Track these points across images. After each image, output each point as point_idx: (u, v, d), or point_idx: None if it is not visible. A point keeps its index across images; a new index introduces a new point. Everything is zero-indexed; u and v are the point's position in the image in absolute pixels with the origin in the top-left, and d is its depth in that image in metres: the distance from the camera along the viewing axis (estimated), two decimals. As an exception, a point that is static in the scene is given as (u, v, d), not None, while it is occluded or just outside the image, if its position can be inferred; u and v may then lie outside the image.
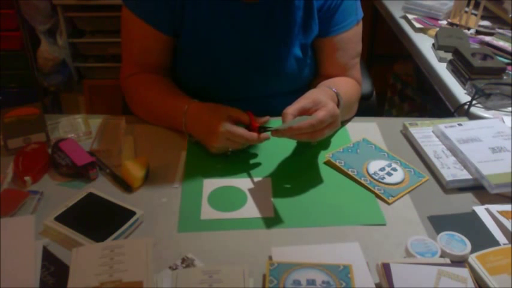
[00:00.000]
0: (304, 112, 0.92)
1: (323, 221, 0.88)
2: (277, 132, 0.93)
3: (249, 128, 0.98)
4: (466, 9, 1.82)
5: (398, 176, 0.99)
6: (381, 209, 0.91)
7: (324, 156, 1.04)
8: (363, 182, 0.97)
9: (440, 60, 1.55)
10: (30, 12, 2.13)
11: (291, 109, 0.91)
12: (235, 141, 0.97)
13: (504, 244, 0.83)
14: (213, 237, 0.84)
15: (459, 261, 0.75)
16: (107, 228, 0.81)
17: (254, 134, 0.96)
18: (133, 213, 0.85)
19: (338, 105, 1.01)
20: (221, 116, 0.97)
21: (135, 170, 0.94)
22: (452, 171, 0.99)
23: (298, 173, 1.00)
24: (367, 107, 1.37)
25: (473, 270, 0.74)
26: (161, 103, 1.09)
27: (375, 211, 0.91)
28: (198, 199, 0.92)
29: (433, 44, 1.66)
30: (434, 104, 2.17)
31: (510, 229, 0.84)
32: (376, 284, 0.74)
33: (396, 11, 2.00)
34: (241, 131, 0.95)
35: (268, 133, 0.97)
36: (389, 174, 0.99)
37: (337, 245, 0.81)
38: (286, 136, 0.93)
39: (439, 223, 0.88)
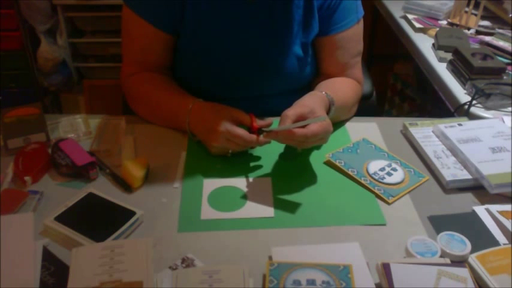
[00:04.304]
0: (301, 119, 0.93)
1: (323, 221, 0.88)
2: (269, 135, 0.94)
3: (250, 130, 0.99)
4: (466, 9, 1.82)
5: (398, 176, 0.99)
6: (381, 209, 0.91)
7: (324, 156, 1.04)
8: (362, 182, 0.97)
9: (440, 60, 1.55)
10: (30, 12, 2.13)
11: (291, 112, 0.92)
12: (235, 142, 0.97)
13: (504, 244, 0.83)
14: (213, 237, 0.84)
15: (459, 261, 0.75)
16: (107, 228, 0.81)
17: (253, 136, 0.96)
18: (133, 213, 0.85)
19: (329, 110, 1.03)
20: (223, 116, 0.97)
21: (135, 170, 0.94)
22: (452, 171, 0.99)
23: (298, 173, 1.00)
24: (367, 107, 1.36)
25: (473, 270, 0.74)
26: (166, 101, 1.09)
27: (375, 211, 0.91)
28: (198, 199, 0.92)
29: (433, 44, 1.66)
30: (434, 104, 2.17)
31: (510, 229, 0.84)
32: (376, 284, 0.74)
33: (396, 11, 2.00)
34: (240, 132, 0.96)
35: (261, 135, 0.97)
36: (389, 174, 0.99)
37: (337, 245, 0.81)
38: (278, 139, 0.94)
39: (439, 223, 0.88)
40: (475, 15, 1.82)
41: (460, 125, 1.11)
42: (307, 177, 0.99)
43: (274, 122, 0.99)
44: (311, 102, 0.98)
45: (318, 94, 1.03)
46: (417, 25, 1.82)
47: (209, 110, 1.02)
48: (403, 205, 0.93)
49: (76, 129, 1.10)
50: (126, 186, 0.93)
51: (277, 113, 0.96)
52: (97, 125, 1.12)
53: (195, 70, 1.15)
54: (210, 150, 1.02)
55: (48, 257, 0.77)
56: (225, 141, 0.97)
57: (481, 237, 0.84)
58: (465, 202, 0.94)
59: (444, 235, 0.80)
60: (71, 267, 0.72)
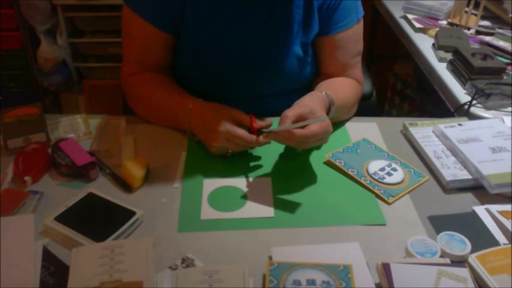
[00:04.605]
0: (301, 119, 0.93)
1: (323, 221, 0.88)
2: (269, 135, 0.94)
3: (250, 130, 0.99)
4: (466, 9, 1.82)
5: (398, 176, 0.99)
6: (381, 209, 0.91)
7: (324, 156, 1.04)
8: (362, 182, 0.97)
9: (440, 60, 1.55)
10: (30, 12, 2.13)
11: (291, 113, 0.92)
12: (235, 143, 0.97)
13: (504, 244, 0.83)
14: (213, 237, 0.84)
15: (459, 261, 0.75)
16: (107, 228, 0.81)
17: (253, 137, 0.96)
18: (133, 213, 0.85)
19: (329, 110, 1.03)
20: (223, 116, 0.97)
21: (135, 170, 0.94)
22: (452, 171, 0.99)
23: (298, 173, 1.00)
24: (367, 107, 1.36)
25: (473, 270, 0.74)
26: (166, 101, 1.09)
27: (375, 211, 0.91)
28: (198, 199, 0.92)
29: (433, 44, 1.66)
30: (434, 104, 2.17)
31: (510, 229, 0.84)
32: (376, 284, 0.74)
33: (396, 11, 2.00)
34: (241, 132, 0.96)
35: (261, 136, 0.97)
36: (389, 174, 0.99)
37: (337, 245, 0.81)
38: (277, 140, 0.94)
39: (439, 223, 0.88)
40: (475, 15, 1.82)
41: (460, 125, 1.11)
42: (307, 177, 0.99)
43: (274, 123, 0.99)
44: (311, 102, 0.98)
45: (317, 94, 1.03)
46: (417, 25, 1.82)
47: (209, 110, 1.02)
48: (403, 205, 0.93)
49: (76, 129, 1.10)
50: (126, 186, 0.93)
51: (277, 113, 0.96)
52: (97, 125, 1.12)
53: (195, 70, 1.15)
54: (210, 150, 1.02)
55: (48, 257, 0.77)
56: (225, 141, 0.97)
57: (481, 237, 0.84)
58: (465, 202, 0.94)
59: (444, 235, 0.80)
60: (71, 267, 0.72)
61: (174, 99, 1.08)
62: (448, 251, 0.76)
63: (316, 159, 1.04)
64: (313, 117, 0.94)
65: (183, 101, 1.06)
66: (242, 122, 0.99)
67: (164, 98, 1.09)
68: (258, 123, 1.00)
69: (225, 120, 0.96)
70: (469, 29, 1.80)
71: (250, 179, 0.98)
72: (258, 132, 0.98)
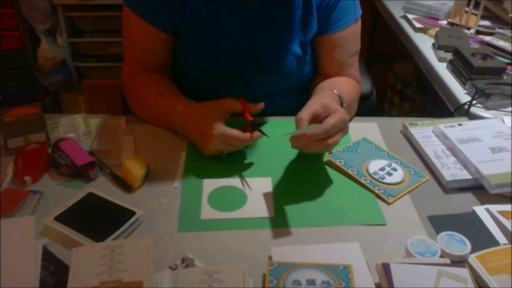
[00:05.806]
0: (315, 117, 0.92)
1: (323, 221, 0.88)
2: (293, 139, 0.92)
3: (242, 117, 0.97)
4: (466, 9, 1.82)
5: (398, 176, 0.99)
6: (381, 209, 0.91)
7: (324, 156, 1.03)
8: (362, 181, 0.97)
9: (440, 60, 1.55)
10: (30, 11, 2.13)
11: (304, 113, 0.91)
12: (230, 144, 0.97)
13: (504, 244, 0.83)
14: (213, 237, 0.84)
15: (459, 261, 0.75)
16: (107, 228, 0.81)
17: (247, 135, 0.96)
18: (133, 213, 0.85)
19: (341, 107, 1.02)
20: (214, 117, 0.97)
21: (135, 170, 0.94)
22: (452, 171, 0.99)
23: (298, 173, 1.00)
24: (367, 107, 1.37)
25: (473, 270, 0.74)
26: (157, 102, 1.09)
27: (375, 211, 0.91)
28: (198, 199, 0.92)
29: (433, 44, 1.66)
30: (434, 104, 2.17)
31: (510, 229, 0.84)
32: (376, 284, 0.74)
33: (396, 11, 2.00)
34: (235, 133, 0.95)
35: (264, 135, 0.97)
36: (389, 174, 0.99)
37: (337, 245, 0.81)
38: (301, 144, 0.91)
39: (439, 223, 0.88)
40: (475, 15, 1.82)
41: (460, 125, 1.11)
42: (307, 177, 0.99)
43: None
44: (321, 98, 0.97)
45: (327, 92, 1.03)
46: (417, 25, 1.82)
47: (199, 112, 1.00)
48: (403, 205, 0.93)
49: (76, 129, 1.10)
50: (126, 186, 0.93)
51: (277, 112, 0.96)
52: (97, 124, 1.12)
53: (195, 70, 1.15)
54: (204, 152, 1.01)
55: (48, 257, 0.77)
56: (221, 143, 0.97)
57: (481, 237, 0.84)
58: (465, 202, 0.94)
59: (444, 235, 0.80)
60: (70, 267, 0.72)
61: (164, 101, 1.08)
62: (448, 251, 0.76)
63: (316, 159, 1.04)
64: (327, 111, 0.92)
65: (172, 103, 1.05)
66: (234, 110, 0.98)
67: (158, 100, 1.09)
68: (250, 107, 0.99)
69: (216, 122, 0.96)
70: (469, 28, 1.80)
71: (250, 179, 0.98)
72: (252, 126, 0.98)
